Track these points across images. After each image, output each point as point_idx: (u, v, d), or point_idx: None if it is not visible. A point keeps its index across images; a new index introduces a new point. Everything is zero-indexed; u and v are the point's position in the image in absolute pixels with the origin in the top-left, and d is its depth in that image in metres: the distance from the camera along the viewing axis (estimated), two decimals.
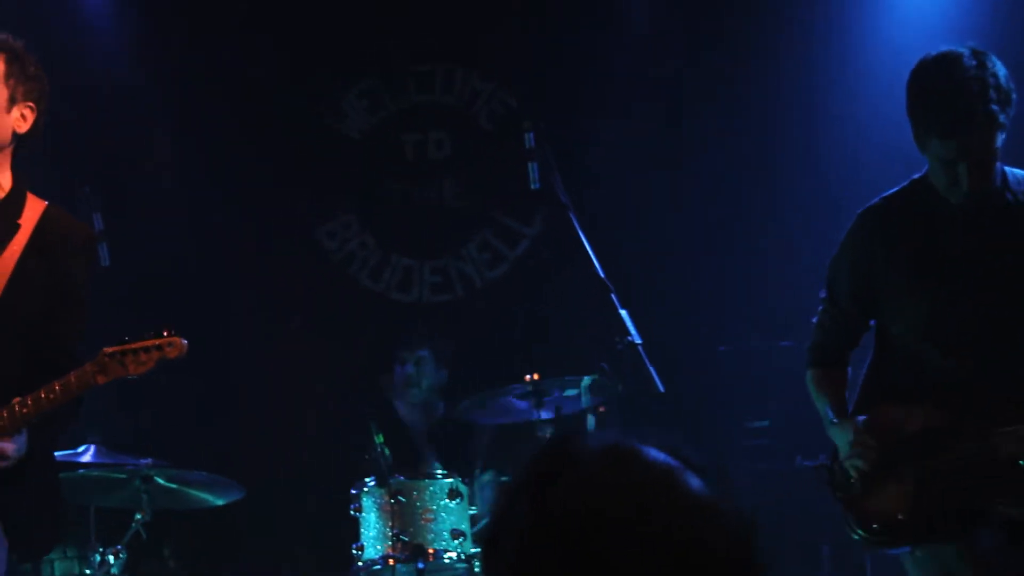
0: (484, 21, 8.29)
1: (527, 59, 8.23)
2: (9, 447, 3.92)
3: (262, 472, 7.25)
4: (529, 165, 5.28)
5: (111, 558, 5.87)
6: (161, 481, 5.96)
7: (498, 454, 6.77)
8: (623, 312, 4.90)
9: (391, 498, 5.98)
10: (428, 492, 6.04)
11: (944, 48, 4.06)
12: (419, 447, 6.90)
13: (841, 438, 4.30)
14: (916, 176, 4.26)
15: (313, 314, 8.20)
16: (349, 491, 6.16)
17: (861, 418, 4.30)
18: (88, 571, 6.01)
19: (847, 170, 7.59)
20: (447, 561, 5.94)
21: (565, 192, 5.25)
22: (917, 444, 4.14)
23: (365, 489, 6.08)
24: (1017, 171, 4.21)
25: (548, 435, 5.97)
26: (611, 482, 1.49)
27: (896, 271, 4.24)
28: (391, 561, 5.91)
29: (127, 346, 3.96)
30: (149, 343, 3.97)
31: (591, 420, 6.00)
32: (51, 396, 3.90)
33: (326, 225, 8.31)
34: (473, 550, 5.98)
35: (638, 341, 4.85)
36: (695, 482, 1.51)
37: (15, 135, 4.13)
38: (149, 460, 5.96)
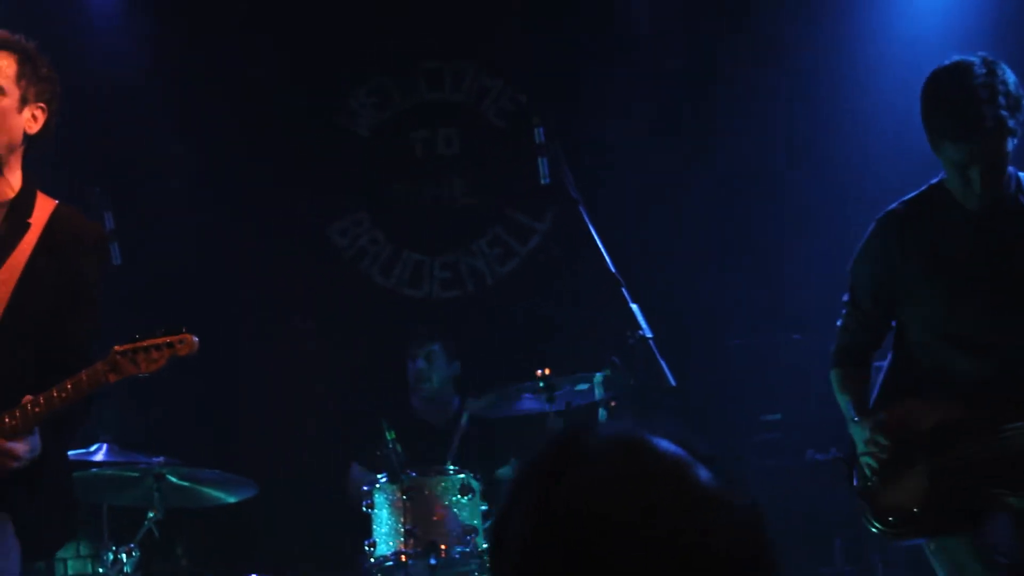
0: (493, 18, 8.29)
1: (536, 56, 8.22)
2: (22, 447, 3.93)
3: (274, 469, 7.26)
4: (539, 160, 5.28)
5: (124, 556, 5.88)
6: (173, 479, 5.97)
7: (515, 449, 6.76)
8: (634, 306, 4.91)
9: (403, 494, 5.99)
10: (440, 488, 6.04)
11: (956, 57, 4.25)
12: (436, 442, 6.90)
13: (860, 435, 4.47)
14: (933, 181, 4.43)
15: (324, 311, 8.21)
16: (362, 487, 6.17)
17: (880, 416, 4.45)
18: (101, 569, 6.02)
19: (856, 164, 7.60)
20: (459, 557, 5.94)
21: (575, 187, 5.25)
22: (932, 440, 4.31)
23: (377, 486, 6.09)
24: None
25: (558, 428, 5.97)
26: (618, 478, 1.47)
27: (914, 274, 4.42)
28: (403, 557, 5.91)
29: (138, 344, 3.96)
30: (160, 341, 3.97)
31: (602, 414, 6.01)
32: (63, 395, 3.91)
33: (337, 223, 8.31)
34: (485, 546, 5.98)
35: (649, 335, 4.85)
36: (704, 475, 1.49)
37: (26, 136, 4.14)
38: (161, 458, 5.96)
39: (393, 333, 7.75)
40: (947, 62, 4.27)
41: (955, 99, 4.17)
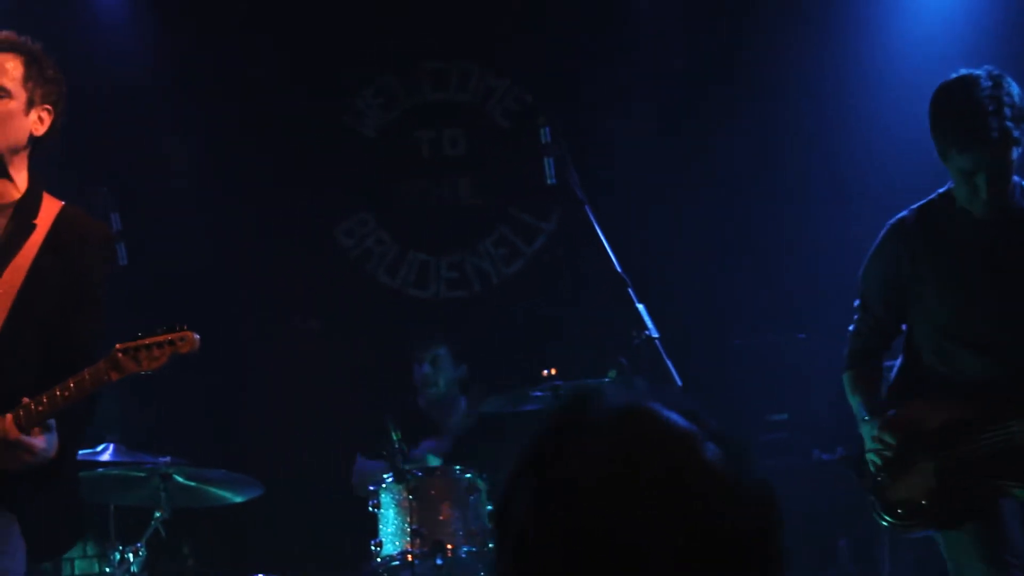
0: (499, 18, 8.30)
1: (542, 56, 8.23)
2: (39, 443, 3.92)
3: (281, 469, 7.27)
4: (545, 161, 5.29)
5: (131, 556, 5.88)
6: (180, 479, 5.97)
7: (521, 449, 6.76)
8: (640, 306, 4.92)
9: (409, 494, 5.99)
10: (446, 488, 6.05)
11: (963, 70, 4.44)
12: (442, 443, 6.90)
13: (869, 433, 4.65)
14: (940, 190, 4.63)
15: (330, 311, 8.21)
16: (368, 487, 6.17)
17: (890, 413, 4.63)
18: (108, 569, 6.03)
19: (860, 162, 7.60)
20: (465, 557, 5.94)
21: (581, 187, 5.26)
22: (940, 435, 4.49)
23: (383, 486, 6.09)
24: None
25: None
26: (623, 450, 1.44)
27: (923, 278, 4.61)
28: (410, 557, 5.91)
29: (140, 342, 3.96)
30: (161, 338, 3.97)
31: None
32: (66, 394, 3.90)
33: (342, 223, 8.32)
34: (491, 545, 5.98)
35: (655, 335, 4.86)
36: (713, 450, 1.45)
37: (32, 137, 4.14)
38: (168, 458, 5.96)
39: (399, 333, 7.76)
40: (953, 75, 4.46)
41: (962, 111, 4.36)
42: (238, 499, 6.23)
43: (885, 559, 6.61)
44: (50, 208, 4.16)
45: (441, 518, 5.99)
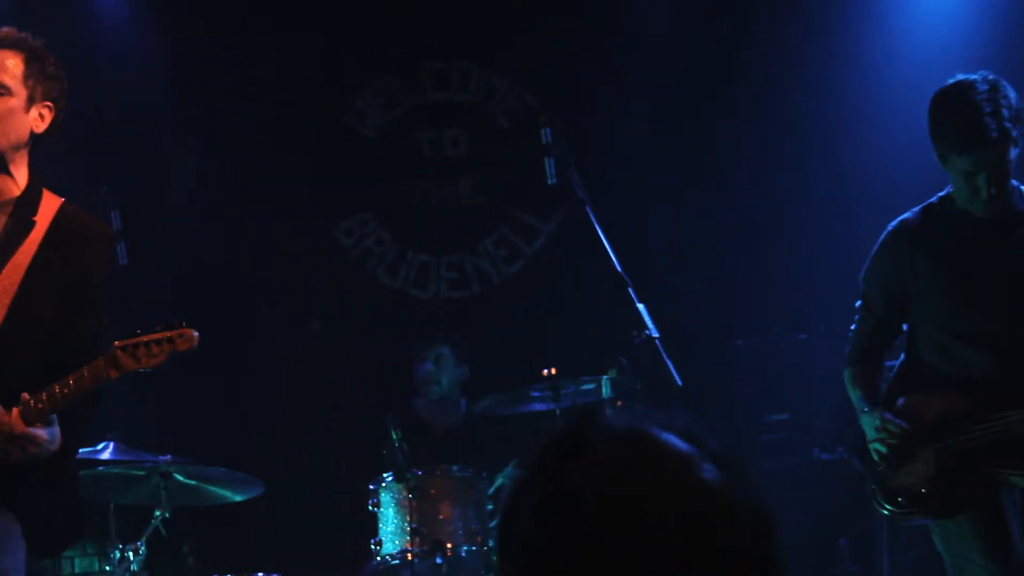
0: (499, 18, 8.30)
1: (543, 57, 8.23)
2: (42, 434, 3.92)
3: (281, 468, 7.26)
4: (546, 161, 5.29)
5: (131, 554, 5.89)
6: (180, 478, 5.97)
7: (521, 448, 6.77)
8: (640, 306, 4.92)
9: (409, 493, 5.99)
10: (446, 487, 6.05)
11: (960, 76, 4.55)
12: (441, 443, 6.91)
13: (869, 424, 4.75)
14: (941, 193, 4.73)
15: (331, 311, 8.22)
16: (367, 487, 6.17)
17: (898, 401, 4.73)
18: (108, 567, 6.03)
19: (861, 163, 7.61)
20: (465, 556, 5.94)
21: (582, 187, 5.26)
22: (941, 425, 4.59)
23: (383, 485, 6.09)
24: None
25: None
26: (619, 473, 1.46)
27: (924, 278, 4.70)
28: (409, 556, 5.92)
29: (138, 339, 3.95)
30: (160, 335, 3.96)
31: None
32: (65, 391, 3.90)
33: (343, 223, 8.33)
34: (491, 544, 5.98)
35: (656, 335, 4.86)
36: (710, 472, 1.47)
37: (33, 134, 4.14)
38: (168, 457, 5.96)
39: (399, 333, 7.76)
40: (951, 81, 4.57)
41: (961, 113, 4.47)
42: (238, 498, 6.24)
43: (885, 559, 6.62)
44: (50, 205, 4.16)
45: (441, 517, 6.00)
